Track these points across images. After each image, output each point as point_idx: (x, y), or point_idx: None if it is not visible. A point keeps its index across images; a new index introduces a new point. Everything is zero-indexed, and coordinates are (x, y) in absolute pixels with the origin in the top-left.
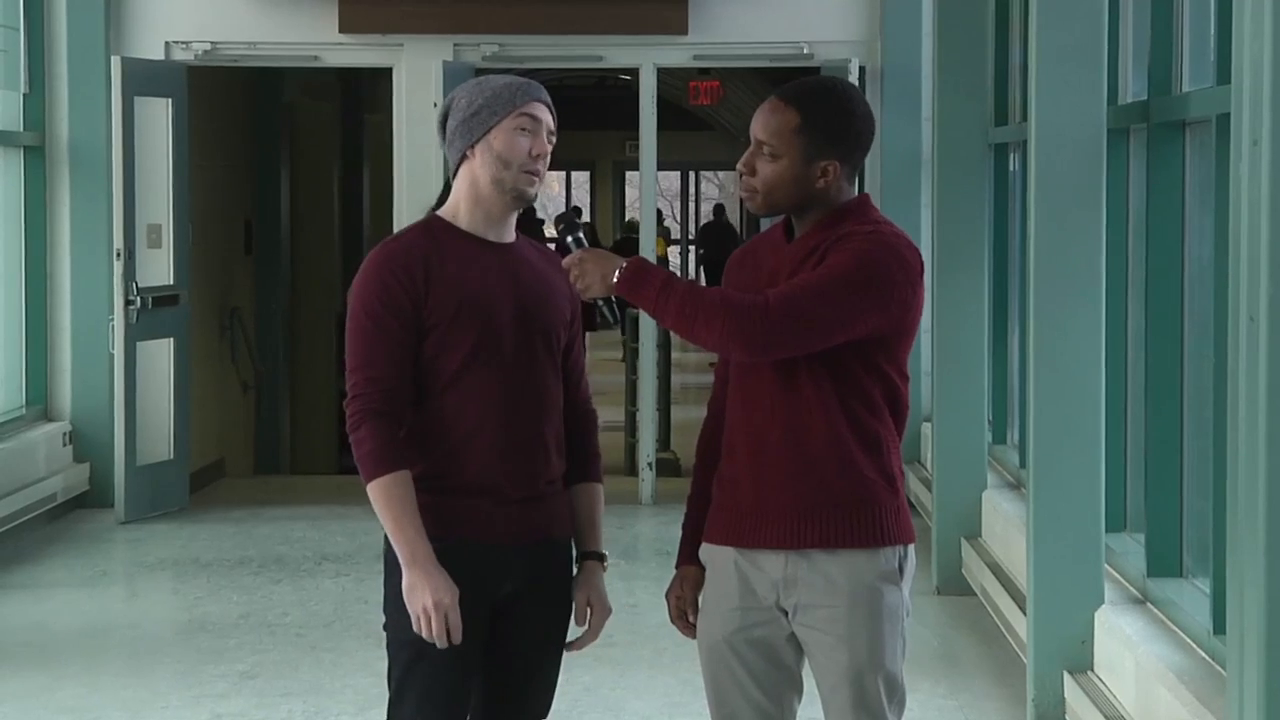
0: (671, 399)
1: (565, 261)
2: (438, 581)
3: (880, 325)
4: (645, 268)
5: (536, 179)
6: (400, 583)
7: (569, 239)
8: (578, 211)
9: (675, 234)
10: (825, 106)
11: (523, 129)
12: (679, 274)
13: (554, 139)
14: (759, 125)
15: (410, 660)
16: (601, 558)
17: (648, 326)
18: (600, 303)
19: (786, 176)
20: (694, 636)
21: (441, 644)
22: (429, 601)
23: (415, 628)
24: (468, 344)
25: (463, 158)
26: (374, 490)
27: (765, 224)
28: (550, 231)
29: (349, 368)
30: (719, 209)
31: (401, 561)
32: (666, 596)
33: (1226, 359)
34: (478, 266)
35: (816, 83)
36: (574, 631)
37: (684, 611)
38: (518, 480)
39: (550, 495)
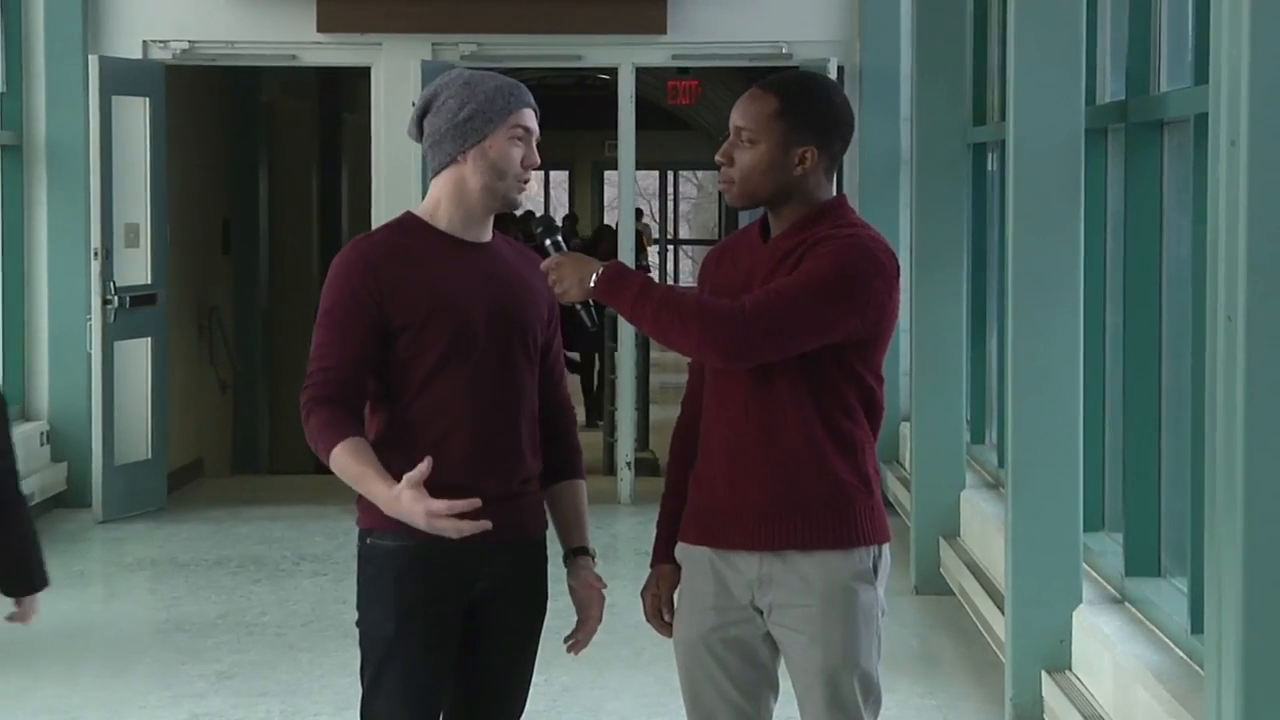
0: (650, 399)
1: (543, 265)
2: (419, 495)
3: (857, 330)
4: (623, 273)
5: (526, 186)
6: (373, 577)
7: (547, 242)
8: (553, 222)
9: (655, 233)
10: (804, 94)
11: (518, 139)
12: (658, 276)
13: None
14: (738, 113)
15: (382, 657)
16: (590, 553)
17: (626, 327)
18: (578, 307)
19: (764, 162)
20: (669, 635)
21: (459, 531)
22: (429, 507)
23: (430, 528)
24: (442, 344)
25: (451, 160)
26: (334, 461)
27: (744, 220)
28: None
29: (309, 359)
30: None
31: (382, 507)
32: (642, 595)
33: (1204, 358)
34: (451, 266)
35: (795, 74)
36: (560, 632)
37: (659, 610)
38: (493, 480)
39: (525, 494)
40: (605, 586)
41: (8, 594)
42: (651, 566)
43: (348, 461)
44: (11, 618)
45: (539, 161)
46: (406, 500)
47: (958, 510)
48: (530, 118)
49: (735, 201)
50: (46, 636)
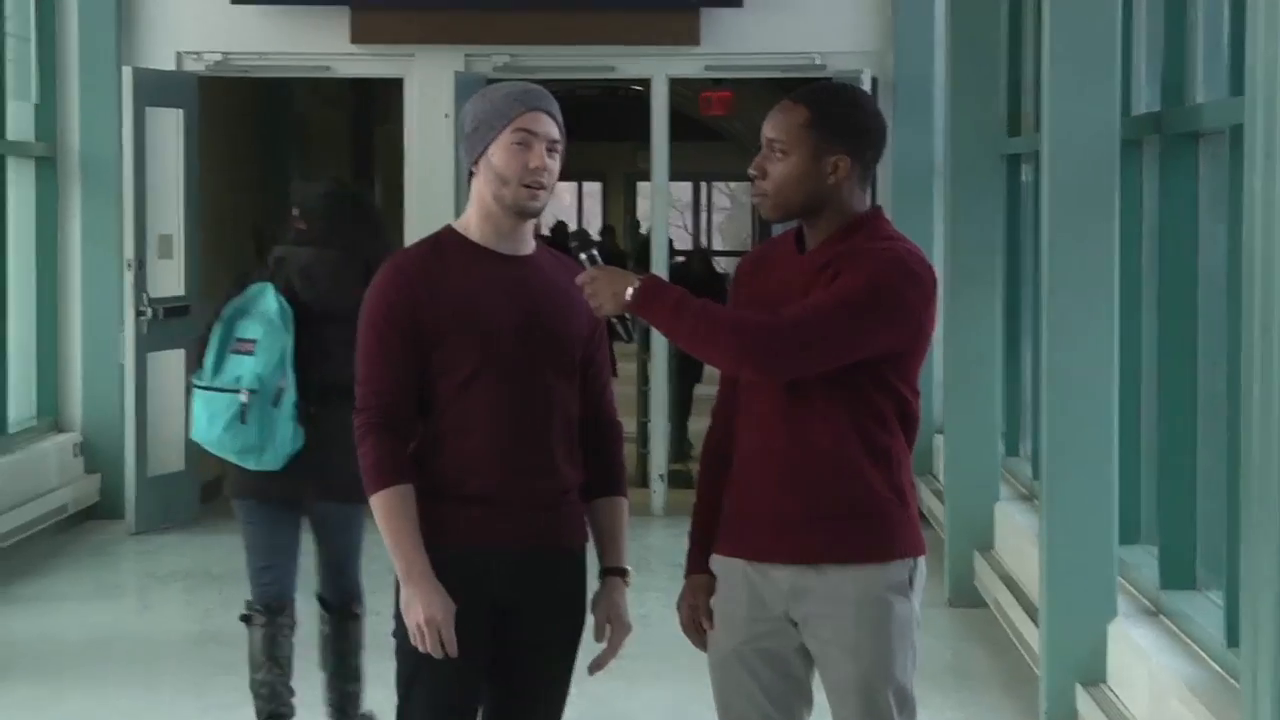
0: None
1: (579, 279)
2: (432, 597)
3: (893, 344)
4: (659, 286)
5: (541, 192)
6: None
7: (583, 256)
8: (588, 236)
9: (679, 244)
10: (834, 103)
11: (518, 143)
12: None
13: (559, 147)
14: (769, 125)
15: (416, 667)
16: (624, 573)
17: (661, 339)
18: (614, 320)
19: (797, 173)
20: (705, 647)
21: (437, 656)
22: (422, 618)
23: (412, 640)
24: (471, 358)
25: (470, 174)
26: (375, 503)
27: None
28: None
29: (357, 380)
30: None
31: (399, 575)
32: (678, 606)
33: (1240, 370)
34: (484, 279)
35: (826, 83)
36: (593, 648)
37: (696, 620)
38: (524, 490)
39: (561, 505)
40: (629, 631)
41: None
42: (686, 577)
43: (385, 516)
44: None
45: (543, 163)
46: (425, 594)
47: (992, 522)
48: (536, 120)
49: (770, 214)
50: (78, 647)
